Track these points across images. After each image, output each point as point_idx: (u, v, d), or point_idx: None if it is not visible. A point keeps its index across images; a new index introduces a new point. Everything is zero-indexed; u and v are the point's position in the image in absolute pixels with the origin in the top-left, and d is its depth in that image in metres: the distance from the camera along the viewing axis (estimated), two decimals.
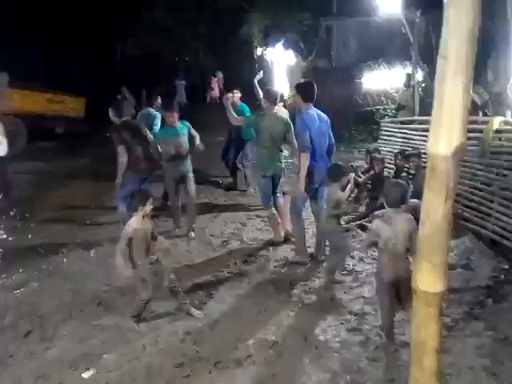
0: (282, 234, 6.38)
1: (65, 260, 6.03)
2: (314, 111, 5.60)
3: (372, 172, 7.77)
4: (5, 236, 6.79)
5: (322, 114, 5.70)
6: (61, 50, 18.21)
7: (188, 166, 6.64)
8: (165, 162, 6.62)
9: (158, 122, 7.73)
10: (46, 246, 6.42)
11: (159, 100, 8.18)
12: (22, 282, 5.38)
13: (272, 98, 6.04)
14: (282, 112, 6.75)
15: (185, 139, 6.55)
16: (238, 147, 8.87)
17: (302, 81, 6.02)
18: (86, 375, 3.80)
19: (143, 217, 4.27)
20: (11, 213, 7.42)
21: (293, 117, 5.82)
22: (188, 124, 6.68)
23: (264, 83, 8.06)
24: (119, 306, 4.76)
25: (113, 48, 20.20)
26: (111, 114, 6.48)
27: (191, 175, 6.67)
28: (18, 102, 12.72)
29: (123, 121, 6.51)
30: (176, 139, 6.46)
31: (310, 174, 5.47)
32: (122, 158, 6.26)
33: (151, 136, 6.87)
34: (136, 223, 4.22)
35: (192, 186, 6.68)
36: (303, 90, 5.63)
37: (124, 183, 6.38)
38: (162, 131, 6.74)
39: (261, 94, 6.85)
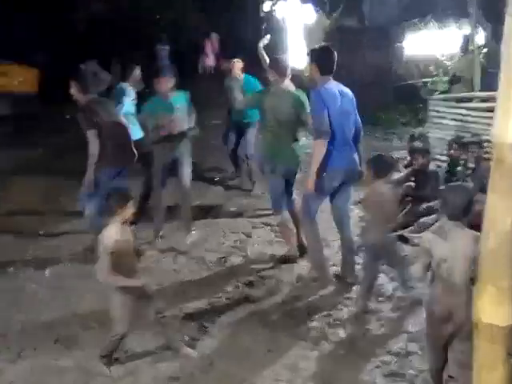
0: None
1: (12, 282, 6.06)
2: (335, 85, 5.60)
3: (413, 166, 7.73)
4: None
5: (346, 90, 5.69)
6: (4, 6, 18.20)
7: (184, 148, 6.73)
8: (153, 144, 6.73)
9: (127, 99, 7.66)
10: None
11: (137, 71, 8.13)
12: None
13: (281, 68, 6.06)
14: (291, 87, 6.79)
15: (181, 115, 6.63)
16: (238, 131, 8.91)
17: (318, 46, 6.02)
18: None
19: (123, 224, 4.27)
20: None
21: (308, 93, 5.83)
22: (187, 95, 6.73)
23: (272, 49, 8.07)
24: (83, 343, 4.78)
25: (73, 3, 20.16)
26: (74, 89, 6.49)
27: (188, 159, 6.79)
28: None
29: (92, 99, 6.51)
30: (168, 114, 6.50)
31: (330, 168, 5.46)
32: (94, 146, 6.29)
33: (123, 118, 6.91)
34: (116, 233, 4.20)
35: (187, 171, 6.81)
36: (321, 58, 5.63)
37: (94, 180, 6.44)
38: (150, 104, 6.79)
39: (268, 63, 6.87)
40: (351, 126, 5.67)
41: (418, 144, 7.92)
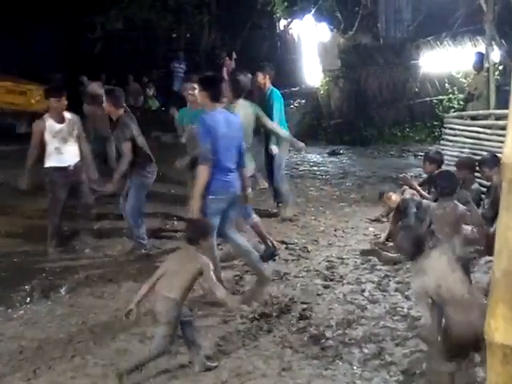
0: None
1: (28, 300, 6.10)
2: (222, 113, 5.84)
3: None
4: None
5: (232, 117, 5.98)
6: (24, 27, 18.44)
7: None
8: None
9: None
10: (3, 283, 6.51)
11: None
12: None
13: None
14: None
15: None
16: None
17: (209, 74, 6.26)
18: None
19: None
20: None
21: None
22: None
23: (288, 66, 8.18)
24: (100, 360, 4.79)
25: (91, 22, 20.38)
26: (107, 104, 7.03)
27: None
28: None
29: (124, 113, 7.04)
30: None
31: (215, 192, 5.68)
32: (128, 159, 6.86)
33: None
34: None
35: None
36: (212, 87, 5.86)
37: (138, 191, 6.98)
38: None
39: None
40: (236, 152, 5.87)
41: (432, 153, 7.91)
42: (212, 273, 4.55)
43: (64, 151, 7.18)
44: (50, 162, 7.20)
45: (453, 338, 3.85)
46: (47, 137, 7.13)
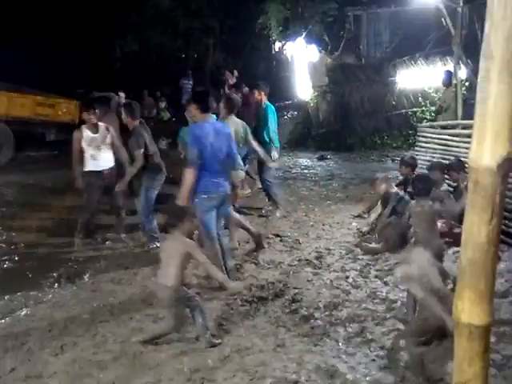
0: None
1: (55, 285, 6.10)
2: (211, 123, 5.82)
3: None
4: None
5: (221, 126, 5.95)
6: (51, 48, 18.45)
7: None
8: None
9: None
10: (34, 270, 6.50)
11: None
12: (8, 311, 5.45)
13: None
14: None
15: None
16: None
17: (199, 89, 6.29)
18: None
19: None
20: None
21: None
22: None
23: (283, 83, 8.22)
24: (119, 338, 4.79)
25: (111, 44, 20.38)
26: (124, 115, 7.06)
27: None
28: (3, 105, 12.95)
29: (139, 124, 7.08)
30: None
31: (207, 191, 5.66)
32: (139, 163, 6.90)
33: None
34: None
35: None
36: (201, 100, 5.86)
37: (148, 192, 6.99)
38: None
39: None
40: (224, 157, 5.80)
41: (407, 158, 7.93)
42: (199, 253, 4.56)
43: (98, 157, 7.24)
44: (87, 167, 7.26)
45: (430, 323, 3.88)
46: (84, 145, 7.22)
